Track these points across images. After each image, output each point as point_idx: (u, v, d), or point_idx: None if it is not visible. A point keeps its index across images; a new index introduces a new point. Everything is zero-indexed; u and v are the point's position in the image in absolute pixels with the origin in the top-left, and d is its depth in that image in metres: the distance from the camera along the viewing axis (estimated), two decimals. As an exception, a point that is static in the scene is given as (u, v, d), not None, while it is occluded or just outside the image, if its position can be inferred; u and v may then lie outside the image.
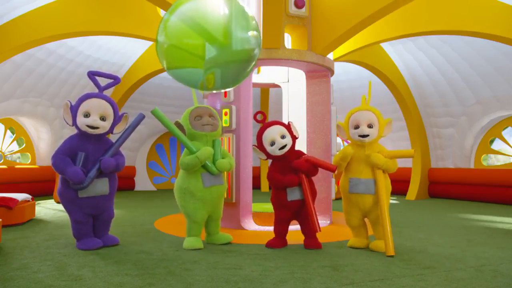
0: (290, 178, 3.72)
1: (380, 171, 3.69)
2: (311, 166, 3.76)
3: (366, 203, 3.75)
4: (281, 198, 3.82)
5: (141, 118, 3.82)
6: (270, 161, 4.03)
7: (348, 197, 3.84)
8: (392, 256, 3.47)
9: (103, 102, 3.72)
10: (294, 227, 4.17)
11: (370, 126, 3.78)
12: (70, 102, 3.69)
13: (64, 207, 3.73)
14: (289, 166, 3.81)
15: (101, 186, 3.73)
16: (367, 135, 3.76)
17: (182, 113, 4.12)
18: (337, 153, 3.92)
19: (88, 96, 3.71)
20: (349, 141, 4.00)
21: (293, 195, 3.78)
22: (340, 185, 3.93)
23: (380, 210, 3.65)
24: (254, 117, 4.12)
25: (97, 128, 3.66)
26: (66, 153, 3.62)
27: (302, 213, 3.87)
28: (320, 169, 3.85)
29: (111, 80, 3.95)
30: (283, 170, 3.81)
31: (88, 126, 3.63)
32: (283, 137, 3.82)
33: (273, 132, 3.82)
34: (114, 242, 3.90)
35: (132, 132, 3.84)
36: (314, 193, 3.87)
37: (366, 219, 3.92)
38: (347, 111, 4.02)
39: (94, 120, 3.64)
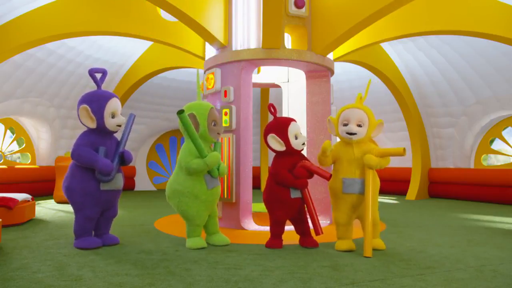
0: (303, 182, 3.78)
1: (371, 171, 3.66)
2: (309, 174, 3.84)
3: (362, 202, 3.73)
4: (284, 195, 3.82)
5: (133, 117, 4.05)
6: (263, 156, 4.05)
7: (341, 197, 3.76)
8: (369, 257, 3.44)
9: (117, 100, 3.91)
10: (290, 227, 4.18)
11: (359, 125, 3.76)
12: (89, 106, 3.72)
13: (77, 203, 3.72)
14: (294, 163, 3.86)
15: (120, 181, 3.87)
16: (355, 134, 3.74)
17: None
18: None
19: (108, 97, 3.81)
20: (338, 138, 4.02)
21: (296, 192, 3.84)
22: (330, 185, 3.87)
23: (365, 210, 3.62)
24: (269, 108, 4.10)
25: (122, 125, 3.87)
26: (89, 146, 3.72)
27: (299, 213, 3.91)
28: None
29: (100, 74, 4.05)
30: (289, 166, 3.85)
31: (117, 125, 3.82)
32: (301, 133, 3.99)
33: (297, 128, 3.95)
34: (115, 242, 3.92)
35: (130, 131, 4.03)
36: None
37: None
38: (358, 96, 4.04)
39: (122, 119, 3.85)
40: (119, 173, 3.87)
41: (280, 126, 3.91)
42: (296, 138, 3.89)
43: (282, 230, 3.94)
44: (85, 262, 3.18)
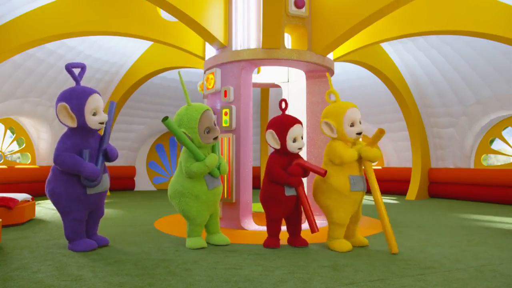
0: (297, 180, 3.79)
1: (371, 165, 3.79)
2: (304, 171, 3.84)
3: (361, 200, 3.88)
4: (278, 193, 3.83)
5: (114, 105, 3.93)
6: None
7: (348, 196, 3.74)
8: (396, 254, 3.53)
9: (99, 96, 3.69)
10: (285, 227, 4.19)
11: (360, 122, 3.90)
12: (68, 104, 3.53)
13: (63, 207, 3.61)
14: (289, 161, 3.88)
15: (106, 181, 3.77)
16: (361, 132, 3.86)
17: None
18: (349, 150, 3.75)
19: (89, 93, 3.60)
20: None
21: (291, 190, 3.84)
22: (335, 184, 3.73)
23: (380, 207, 3.68)
24: (280, 105, 4.08)
25: (104, 122, 3.69)
26: (72, 150, 3.54)
27: (294, 211, 3.92)
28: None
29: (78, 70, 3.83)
30: (284, 164, 3.87)
31: (100, 122, 3.64)
32: (302, 137, 3.96)
33: (299, 131, 3.91)
34: (105, 243, 3.87)
35: (113, 120, 3.91)
36: None
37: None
38: (327, 93, 4.10)
39: (104, 116, 3.67)
40: (105, 173, 3.75)
41: (283, 125, 3.90)
42: (294, 141, 3.88)
43: (279, 229, 3.95)
44: (85, 262, 3.18)
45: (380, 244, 3.99)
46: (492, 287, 2.64)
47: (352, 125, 3.80)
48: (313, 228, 3.80)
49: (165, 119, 3.50)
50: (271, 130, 3.90)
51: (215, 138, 3.86)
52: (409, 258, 3.44)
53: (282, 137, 3.86)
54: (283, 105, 4.06)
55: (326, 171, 3.76)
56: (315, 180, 3.97)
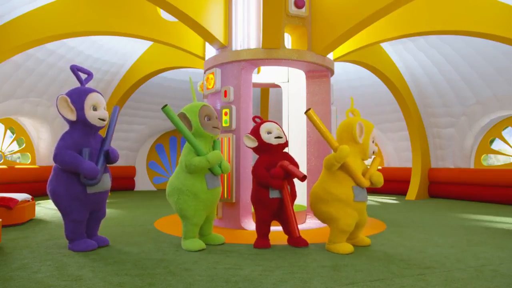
0: (277, 182, 3.79)
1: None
2: (286, 174, 3.84)
3: (364, 208, 3.86)
4: (262, 195, 3.87)
5: (117, 110, 4.00)
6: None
7: (352, 205, 3.69)
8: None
9: (100, 95, 3.78)
10: (279, 227, 4.20)
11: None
12: (68, 97, 3.60)
13: (64, 207, 3.60)
14: (274, 162, 3.90)
15: (107, 181, 3.76)
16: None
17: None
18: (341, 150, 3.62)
19: (88, 91, 3.71)
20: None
21: (275, 193, 3.87)
22: (338, 194, 3.66)
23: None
24: (253, 120, 4.31)
25: (105, 120, 3.73)
26: (72, 148, 3.55)
27: (282, 214, 3.93)
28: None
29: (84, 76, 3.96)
30: (269, 166, 3.89)
31: (100, 118, 3.67)
32: (279, 130, 4.06)
33: (272, 126, 4.05)
34: (105, 243, 3.87)
35: (115, 124, 3.95)
36: (293, 195, 3.99)
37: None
38: (348, 111, 4.11)
39: (104, 113, 3.72)
40: (105, 173, 3.74)
41: (255, 127, 4.10)
42: (268, 133, 3.99)
43: (268, 230, 3.98)
44: (85, 262, 3.19)
45: (380, 244, 3.99)
46: (492, 287, 2.64)
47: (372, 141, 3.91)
48: (294, 232, 3.85)
49: (164, 106, 3.52)
50: (246, 134, 4.08)
51: (215, 128, 3.87)
52: (409, 258, 3.44)
53: (256, 134, 4.00)
54: (258, 120, 4.25)
55: (304, 175, 3.71)
56: (314, 190, 3.85)
